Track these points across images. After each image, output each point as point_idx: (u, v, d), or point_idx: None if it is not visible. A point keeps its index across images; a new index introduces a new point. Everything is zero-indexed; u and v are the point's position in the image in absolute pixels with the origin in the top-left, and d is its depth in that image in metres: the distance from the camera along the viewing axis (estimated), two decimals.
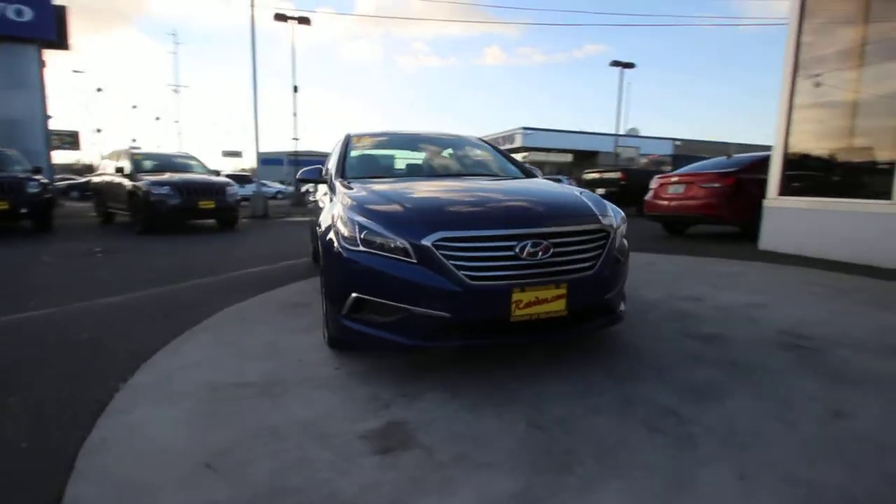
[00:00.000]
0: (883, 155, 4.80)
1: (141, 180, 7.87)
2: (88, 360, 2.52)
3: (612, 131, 29.43)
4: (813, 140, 5.63)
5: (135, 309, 3.56)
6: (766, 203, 5.87)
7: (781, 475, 1.49)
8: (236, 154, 50.06)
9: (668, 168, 12.92)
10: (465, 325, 2.00)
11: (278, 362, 2.44)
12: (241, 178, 20.89)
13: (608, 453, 1.62)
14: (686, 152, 39.68)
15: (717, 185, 6.78)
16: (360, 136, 3.62)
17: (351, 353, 2.47)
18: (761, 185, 6.57)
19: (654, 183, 7.75)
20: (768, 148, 6.13)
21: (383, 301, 2.01)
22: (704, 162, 8.02)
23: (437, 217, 2.07)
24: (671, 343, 2.67)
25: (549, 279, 2.01)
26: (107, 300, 3.78)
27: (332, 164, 3.25)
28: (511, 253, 1.98)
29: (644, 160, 16.47)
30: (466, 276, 1.93)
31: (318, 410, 1.94)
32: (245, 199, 11.64)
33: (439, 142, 3.88)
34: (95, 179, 10.11)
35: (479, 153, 3.72)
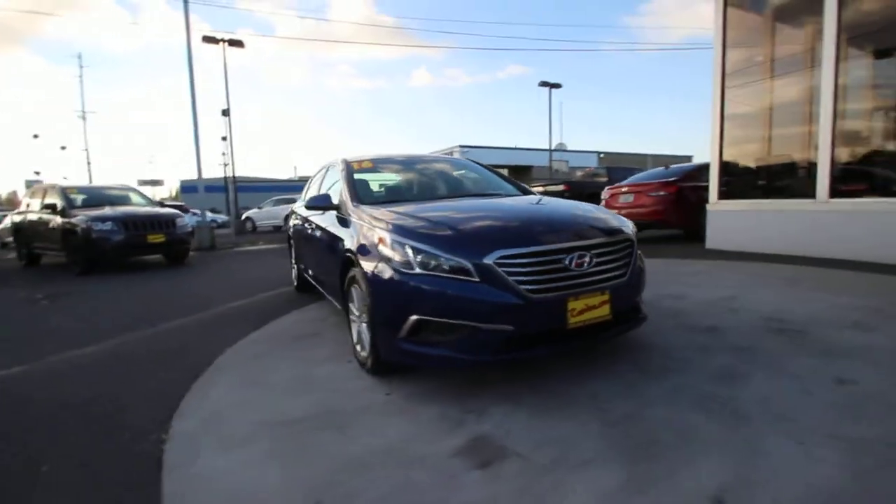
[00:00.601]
0: (805, 160, 5.60)
1: (76, 216, 7.19)
2: (108, 417, 2.32)
3: (543, 146, 31.17)
4: (744, 150, 6.42)
5: (123, 357, 3.30)
6: (709, 207, 6.57)
7: (826, 435, 1.75)
8: (156, 182, 46.73)
9: (603, 179, 13.94)
10: (525, 338, 2.11)
11: (321, 395, 2.40)
12: (176, 209, 19.52)
13: (682, 437, 1.80)
14: (609, 164, 43.01)
15: (662, 193, 7.48)
16: (359, 161, 3.65)
17: (393, 378, 2.49)
18: (698, 191, 7.36)
19: (605, 193, 8.37)
20: (683, 158, 6.90)
21: (447, 321, 2.07)
22: (647, 172, 8.80)
23: (494, 237, 2.19)
24: (679, 337, 2.94)
25: (595, 287, 2.19)
26: (83, 351, 3.45)
27: (340, 191, 3.25)
28: (562, 265, 2.14)
29: (580, 173, 17.62)
30: (527, 289, 2.06)
31: (392, 436, 1.95)
32: None
33: (437, 162, 4.00)
34: (16, 218, 9.03)
35: (475, 173, 3.89)
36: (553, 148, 42.28)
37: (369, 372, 2.56)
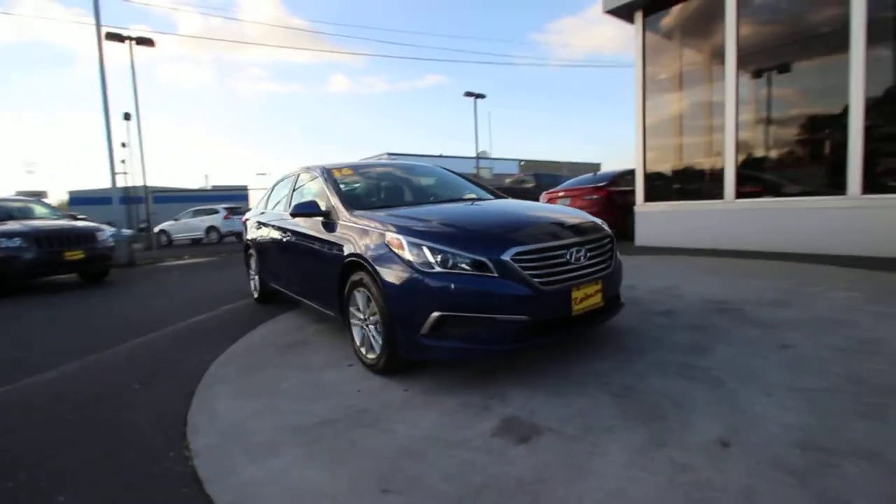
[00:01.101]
0: (714, 166, 6.50)
1: None
2: (114, 438, 2.17)
3: (468, 154, 32.28)
4: (664, 158, 7.28)
5: (97, 379, 3.02)
6: (637, 208, 7.35)
7: (787, 388, 2.16)
8: (39, 194, 41.11)
9: (531, 185, 14.88)
10: (538, 326, 2.33)
11: (338, 397, 2.43)
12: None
13: (677, 400, 2.12)
14: (528, 171, 45.53)
15: (594, 196, 8.21)
16: (339, 169, 3.67)
17: (405, 377, 2.58)
18: (623, 194, 8.19)
19: (543, 198, 8.97)
20: (593, 165, 7.73)
21: (468, 314, 2.23)
22: (578, 178, 9.57)
23: (507, 236, 2.39)
24: (643, 321, 3.35)
25: (591, 278, 2.48)
26: (44, 377, 3.09)
27: (324, 198, 3.26)
28: (565, 259, 2.40)
29: (509, 179, 18.53)
30: (538, 282, 2.28)
31: (427, 426, 2.06)
32: None
33: (412, 169, 4.12)
34: None
35: (449, 179, 4.08)
36: (477, 155, 44.09)
37: (379, 372, 2.63)
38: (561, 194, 8.65)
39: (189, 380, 2.83)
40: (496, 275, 2.24)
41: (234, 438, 2.09)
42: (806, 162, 5.81)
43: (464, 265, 2.26)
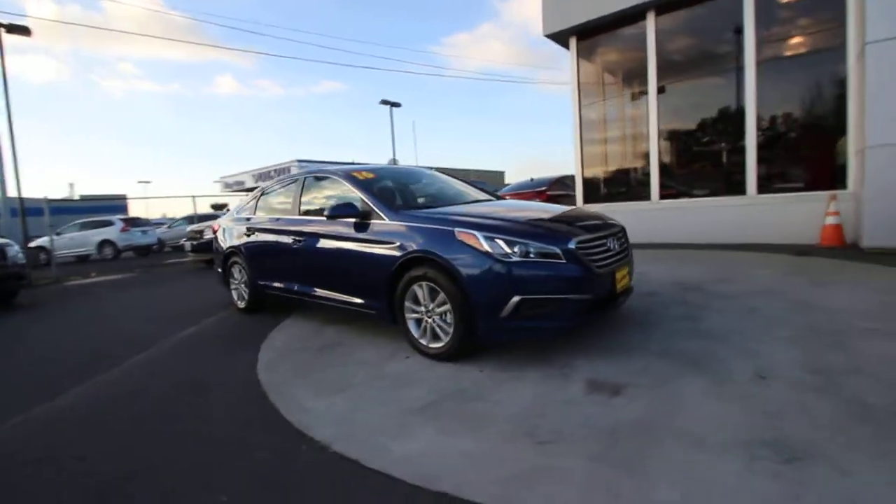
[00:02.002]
0: (643, 172, 7.60)
1: None
2: (250, 460, 2.14)
3: (378, 161, 32.44)
4: (600, 165, 8.29)
5: (141, 394, 2.79)
6: None
7: (771, 338, 2.84)
8: None
9: None
10: (594, 302, 2.76)
11: (423, 384, 2.61)
12: None
13: (706, 354, 2.67)
14: None
15: (537, 199, 9.02)
16: (360, 172, 3.78)
17: (469, 361, 2.85)
18: (560, 198, 9.13)
19: None
20: (496, 173, 8.63)
21: (543, 296, 2.58)
22: (519, 183, 10.39)
23: (569, 229, 2.79)
24: (638, 301, 3.94)
25: (623, 262, 2.99)
26: (63, 401, 2.77)
27: (363, 200, 3.38)
28: (607, 247, 2.88)
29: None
30: (595, 266, 2.72)
31: (529, 394, 2.37)
32: None
33: (416, 173, 4.33)
34: None
35: (453, 181, 4.38)
36: (389, 164, 44.32)
37: (444, 359, 2.86)
38: (507, 196, 9.33)
39: (249, 387, 2.80)
40: (565, 261, 2.62)
41: (359, 428, 2.19)
42: (715, 169, 7.10)
43: (539, 254, 2.61)
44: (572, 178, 10.59)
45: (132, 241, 15.86)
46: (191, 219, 15.51)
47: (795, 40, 6.31)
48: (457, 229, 2.79)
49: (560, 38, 7.96)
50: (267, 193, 4.68)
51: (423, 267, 2.89)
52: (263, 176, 36.61)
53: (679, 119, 7.34)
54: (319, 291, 3.77)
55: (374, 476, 1.79)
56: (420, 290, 2.94)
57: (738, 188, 6.56)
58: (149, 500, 1.77)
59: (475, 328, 2.70)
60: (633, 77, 7.72)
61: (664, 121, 7.26)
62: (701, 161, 7.26)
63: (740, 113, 6.45)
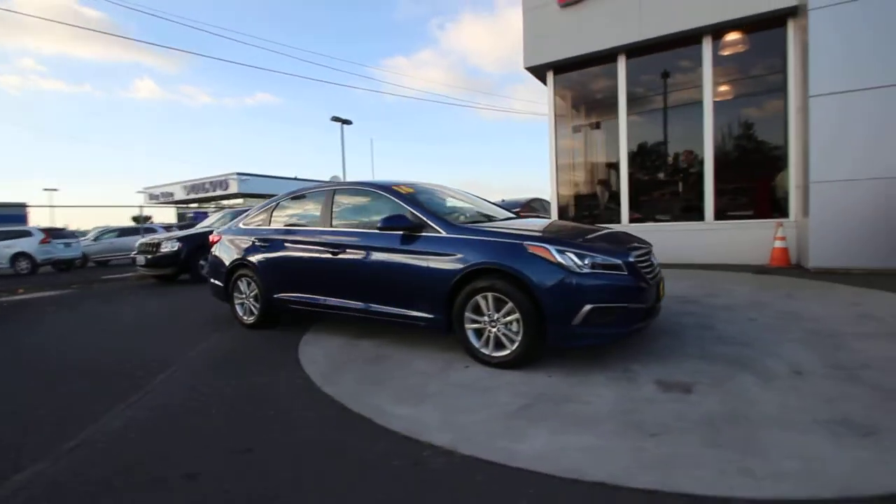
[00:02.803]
0: (613, 198, 8.25)
1: None
2: (354, 471, 2.09)
3: (321, 178, 32.09)
4: (573, 190, 8.87)
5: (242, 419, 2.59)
6: None
7: (784, 339, 3.28)
8: None
9: None
10: (646, 311, 3.03)
11: (504, 389, 2.71)
12: None
13: (742, 356, 3.03)
14: None
15: None
16: (399, 185, 3.84)
17: (531, 369, 2.99)
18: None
19: None
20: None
21: (610, 305, 2.81)
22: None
23: (623, 245, 3.06)
24: None
25: (660, 275, 3.32)
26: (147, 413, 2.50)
27: (412, 213, 3.45)
28: (650, 261, 3.19)
29: None
30: (648, 277, 3.01)
31: (610, 394, 2.56)
32: None
33: (437, 190, 4.41)
34: None
35: (474, 198, 4.57)
36: (332, 180, 43.54)
37: (507, 367, 2.99)
38: None
39: (320, 399, 2.73)
40: (626, 273, 2.88)
41: (472, 433, 2.23)
42: (680, 197, 7.90)
43: (603, 266, 2.85)
44: (541, 201, 11.24)
45: (53, 254, 14.19)
46: (135, 230, 14.20)
47: (746, 90, 7.31)
48: (526, 243, 2.96)
49: (538, 71, 8.55)
50: (284, 205, 4.56)
51: (489, 278, 3.01)
52: (197, 188, 34.39)
53: (645, 150, 8.12)
54: (357, 304, 3.74)
55: (524, 473, 1.87)
56: (483, 301, 3.06)
57: (700, 216, 7.36)
58: None
59: (545, 335, 2.87)
60: (605, 109, 8.44)
61: (633, 151, 8.00)
62: (665, 189, 8.06)
63: (699, 148, 7.31)
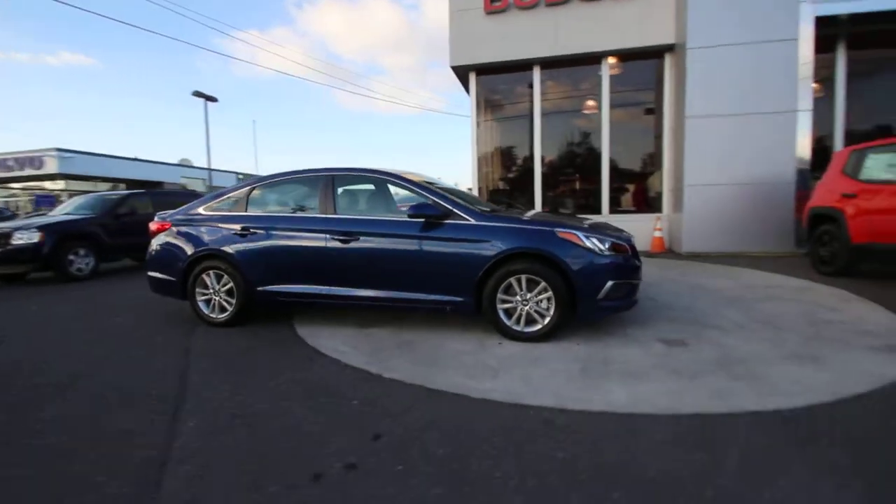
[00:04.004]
0: (526, 192, 9.16)
1: None
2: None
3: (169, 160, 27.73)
4: (492, 183, 9.56)
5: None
6: None
7: (713, 305, 4.32)
8: None
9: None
10: (638, 286, 3.70)
11: (554, 360, 3.10)
12: None
13: (696, 319, 3.93)
14: None
15: None
16: (411, 175, 3.89)
17: (554, 339, 3.45)
18: None
19: None
20: None
21: (623, 281, 3.40)
22: None
23: (620, 232, 3.66)
24: None
25: None
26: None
27: (435, 202, 3.59)
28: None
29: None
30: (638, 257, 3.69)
31: (639, 353, 3.14)
32: None
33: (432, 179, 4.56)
34: None
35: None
36: (178, 163, 38.02)
37: (536, 340, 3.39)
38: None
39: (396, 387, 2.77)
40: (631, 254, 3.51)
41: (563, 395, 2.57)
42: (581, 192, 9.15)
43: (618, 248, 3.42)
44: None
45: None
46: None
47: (633, 107, 8.84)
48: (557, 229, 3.38)
49: (461, 71, 9.01)
50: (263, 190, 4.19)
51: (524, 262, 3.36)
52: (1, 164, 26.70)
53: (554, 152, 9.21)
54: (370, 292, 3.72)
55: (635, 417, 2.28)
56: (517, 282, 3.39)
57: (597, 209, 8.70)
58: None
59: (575, 310, 3.33)
60: (520, 109, 9.31)
61: (545, 151, 9.03)
62: (570, 186, 9.27)
63: (599, 152, 8.63)
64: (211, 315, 4.14)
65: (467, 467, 1.88)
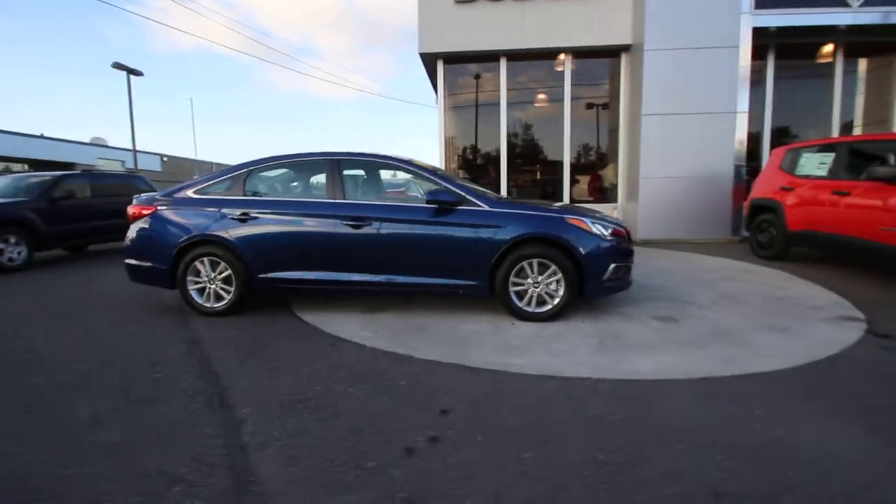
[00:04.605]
0: (491, 180, 9.40)
1: None
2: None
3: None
4: (456, 171, 9.69)
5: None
6: None
7: (684, 285, 4.82)
8: None
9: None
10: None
11: (570, 336, 3.34)
12: None
13: (671, 297, 4.38)
14: (172, 168, 39.21)
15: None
16: (416, 161, 3.92)
17: (564, 318, 3.70)
18: None
19: None
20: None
21: (622, 263, 3.71)
22: None
23: (615, 219, 3.96)
24: None
25: None
26: None
27: (449, 188, 3.67)
28: None
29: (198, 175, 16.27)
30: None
31: (639, 329, 3.47)
32: None
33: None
34: None
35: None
36: (91, 142, 34.19)
37: (546, 320, 3.63)
38: None
39: (437, 367, 2.86)
40: (627, 238, 3.83)
41: (595, 366, 2.80)
42: (542, 182, 9.55)
43: (616, 234, 3.72)
44: None
45: None
46: None
47: (592, 102, 9.35)
48: (566, 216, 3.61)
49: (429, 59, 8.99)
50: (260, 173, 4.02)
51: (536, 246, 3.56)
52: None
53: (518, 143, 9.52)
54: (380, 277, 3.74)
55: (675, 382, 2.57)
56: (528, 266, 3.59)
57: (560, 198, 9.15)
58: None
59: (583, 291, 3.60)
60: (484, 101, 9.49)
61: (509, 141, 9.31)
62: (532, 176, 9.64)
63: (562, 143, 9.06)
64: (206, 304, 3.94)
65: (543, 433, 2.05)
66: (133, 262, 4.07)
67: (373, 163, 4.04)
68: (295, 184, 4.06)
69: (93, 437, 2.06)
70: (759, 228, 6.38)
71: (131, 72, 20.81)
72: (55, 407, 2.39)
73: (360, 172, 4.14)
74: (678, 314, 3.81)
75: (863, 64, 8.89)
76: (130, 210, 4.09)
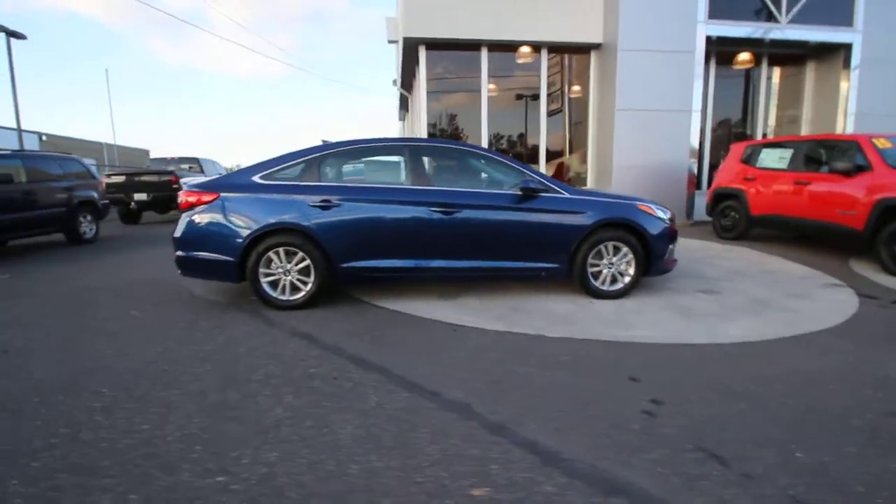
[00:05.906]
0: None
1: None
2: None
3: None
4: None
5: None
6: None
7: (694, 266, 5.54)
8: None
9: (197, 170, 13.13)
10: None
11: (644, 312, 3.78)
12: None
13: (690, 274, 5.03)
14: (52, 149, 33.62)
15: None
16: (481, 148, 4.03)
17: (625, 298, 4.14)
18: None
19: None
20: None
21: (673, 245, 4.21)
22: None
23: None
24: None
25: None
26: None
27: (532, 175, 3.88)
28: None
29: (172, 165, 14.05)
30: None
31: (690, 302, 4.00)
32: None
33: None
34: None
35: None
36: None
37: (616, 297, 4.03)
38: None
39: (570, 346, 3.09)
40: (674, 221, 4.34)
41: (687, 332, 3.23)
42: None
43: (671, 219, 4.20)
44: None
45: None
46: None
47: (567, 95, 9.93)
48: (637, 202, 4.01)
49: (410, 43, 8.88)
50: (340, 157, 3.86)
51: (611, 230, 3.91)
52: None
53: (496, 130, 9.84)
54: (465, 263, 3.85)
55: (762, 343, 3.07)
56: (604, 248, 3.94)
57: None
58: None
59: (648, 270, 4.04)
60: (466, 88, 9.63)
61: (490, 130, 9.59)
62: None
63: (538, 132, 9.56)
64: (280, 297, 3.74)
65: (753, 391, 2.41)
66: (188, 253, 3.70)
67: (456, 150, 4.08)
68: (373, 170, 3.97)
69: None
70: (723, 213, 7.42)
71: (12, 34, 17.55)
72: (154, 424, 2.23)
73: (445, 160, 4.15)
74: (713, 288, 4.44)
75: (777, 72, 10.53)
76: (185, 196, 3.69)
